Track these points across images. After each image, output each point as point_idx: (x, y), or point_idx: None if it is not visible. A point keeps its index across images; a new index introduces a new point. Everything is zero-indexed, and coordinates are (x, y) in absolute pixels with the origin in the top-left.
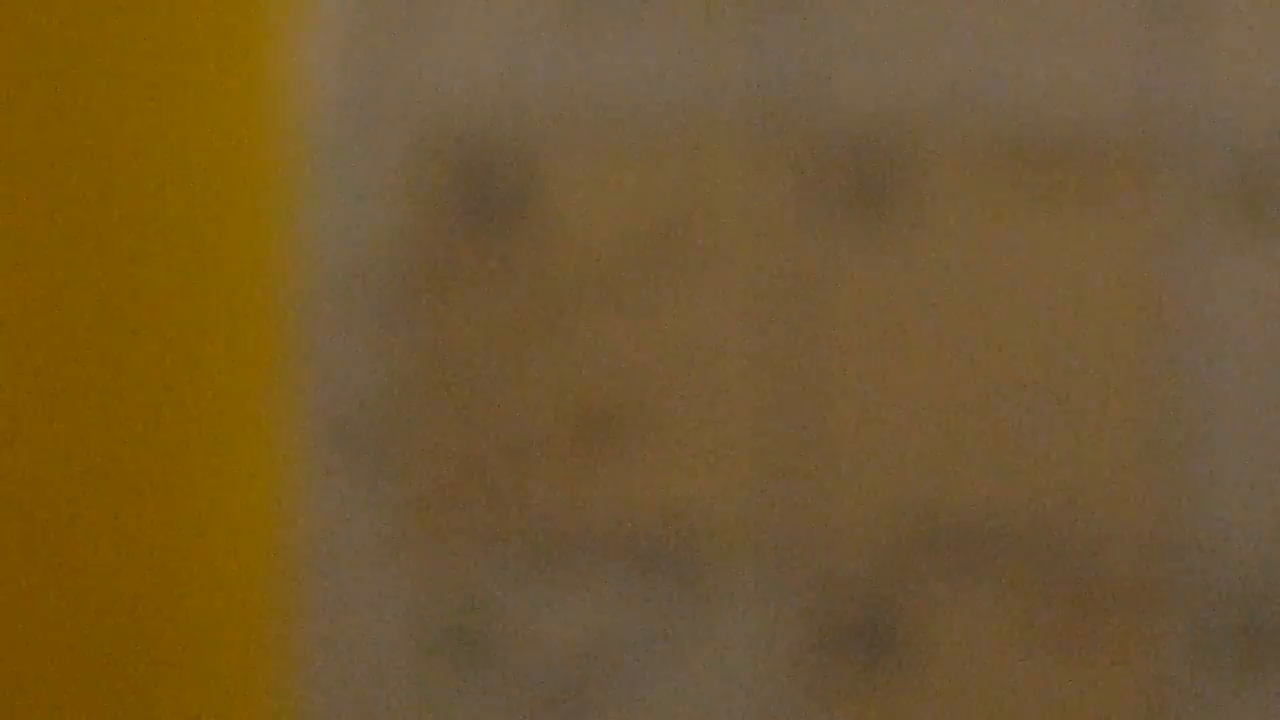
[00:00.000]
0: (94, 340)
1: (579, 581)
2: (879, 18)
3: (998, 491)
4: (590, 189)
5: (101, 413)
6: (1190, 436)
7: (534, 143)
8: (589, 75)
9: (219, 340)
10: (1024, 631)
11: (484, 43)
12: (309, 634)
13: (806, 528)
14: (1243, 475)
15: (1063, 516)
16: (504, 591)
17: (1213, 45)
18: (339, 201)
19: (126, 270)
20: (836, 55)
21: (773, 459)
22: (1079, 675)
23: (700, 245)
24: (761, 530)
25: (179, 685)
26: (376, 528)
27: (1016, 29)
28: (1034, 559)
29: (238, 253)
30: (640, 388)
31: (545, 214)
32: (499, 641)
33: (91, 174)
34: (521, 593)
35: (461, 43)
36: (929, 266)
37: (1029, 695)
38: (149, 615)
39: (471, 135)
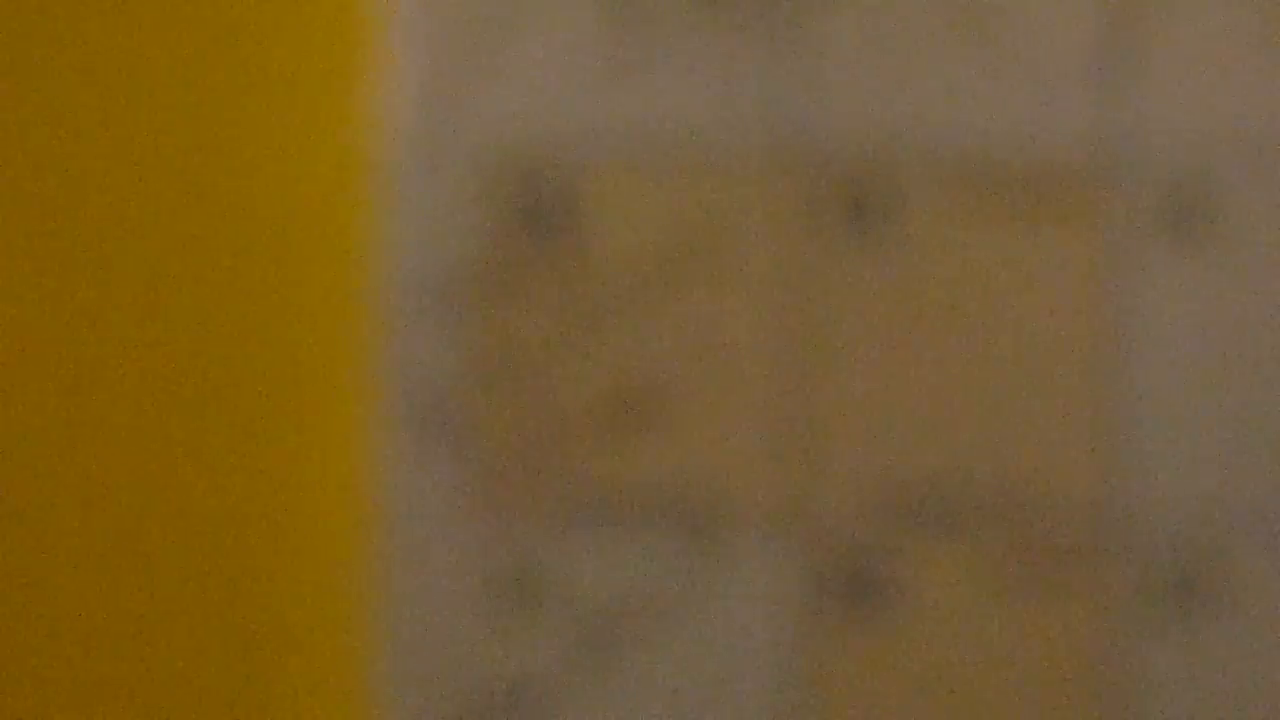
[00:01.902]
0: (201, 331)
1: (615, 540)
2: (870, 64)
3: (968, 464)
4: (627, 207)
5: (207, 393)
6: (1129, 416)
7: (579, 167)
8: (627, 111)
9: (314, 333)
10: (990, 584)
11: (538, 82)
12: (387, 584)
13: (807, 496)
14: (1172, 449)
15: (1022, 485)
16: (553, 548)
17: (1152, 84)
18: (415, 216)
19: (234, 272)
20: (834, 95)
21: (779, 437)
22: (1035, 621)
23: (718, 255)
24: (769, 497)
25: (270, 631)
26: (446, 494)
27: (986, 71)
28: (998, 522)
29: (329, 261)
30: (667, 376)
31: (588, 228)
32: (549, 590)
33: (204, 190)
34: (567, 549)
35: (520, 82)
36: (913, 274)
37: (993, 637)
38: (244, 571)
39: (526, 161)
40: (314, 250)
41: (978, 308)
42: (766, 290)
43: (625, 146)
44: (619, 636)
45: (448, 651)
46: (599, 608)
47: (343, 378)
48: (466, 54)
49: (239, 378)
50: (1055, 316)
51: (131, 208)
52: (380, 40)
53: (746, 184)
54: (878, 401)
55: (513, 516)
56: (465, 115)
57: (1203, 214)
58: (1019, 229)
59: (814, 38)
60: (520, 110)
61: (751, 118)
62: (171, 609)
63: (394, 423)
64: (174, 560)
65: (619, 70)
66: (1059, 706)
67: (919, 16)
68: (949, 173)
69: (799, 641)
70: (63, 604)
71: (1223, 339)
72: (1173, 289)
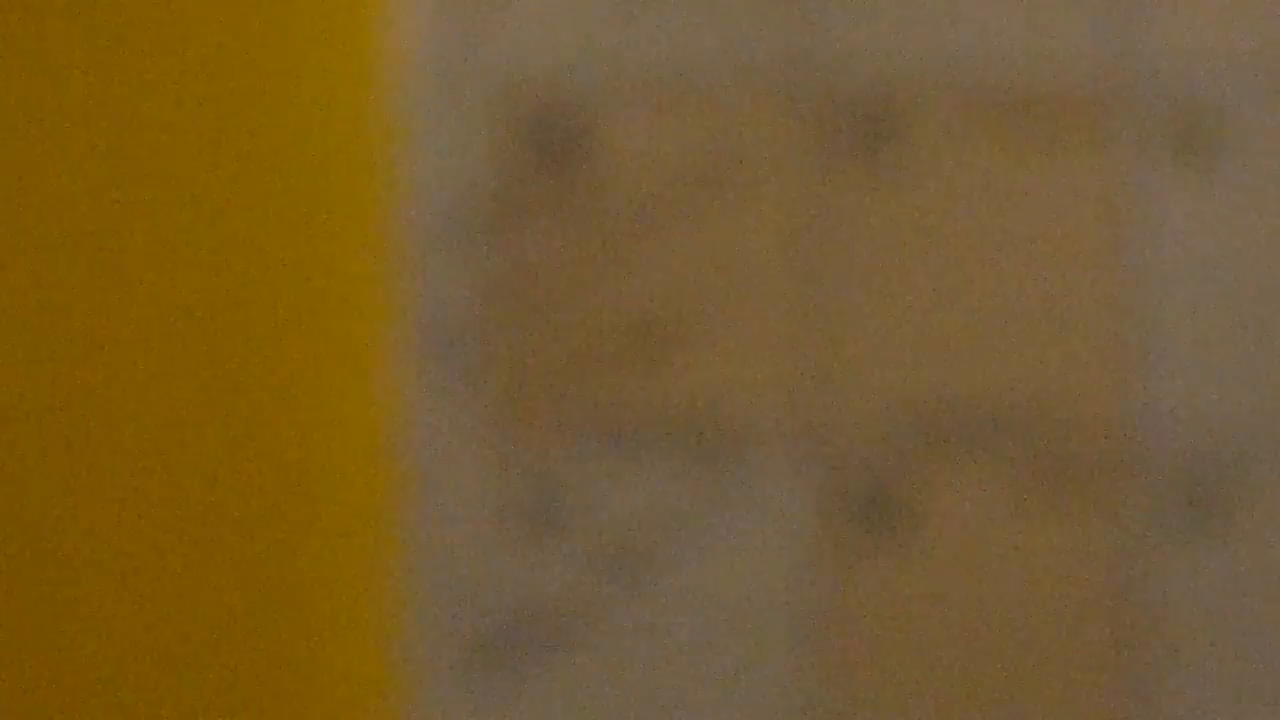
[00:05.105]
0: (218, 266)
1: (636, 465)
2: None
3: (985, 384)
4: (641, 137)
5: (224, 326)
6: (1144, 335)
7: (594, 97)
8: (640, 41)
9: (332, 264)
10: (1007, 504)
11: (553, 14)
12: (409, 512)
13: (825, 418)
14: (1187, 367)
15: (1037, 406)
16: (574, 473)
17: (1162, 8)
18: (431, 147)
19: (251, 203)
20: (845, 25)
21: (796, 361)
22: (1053, 541)
23: (732, 183)
24: (787, 421)
25: (293, 561)
26: (467, 420)
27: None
28: (1015, 443)
29: (347, 192)
30: (684, 302)
31: (604, 157)
32: (570, 515)
33: (220, 125)
34: (588, 474)
35: (535, 14)
36: (926, 197)
37: (1012, 557)
38: (264, 503)
39: (542, 92)
40: (331, 182)
41: (991, 230)
42: (781, 215)
43: (639, 76)
44: (639, 562)
45: (470, 578)
46: (619, 533)
47: (361, 308)
48: None
49: (257, 310)
50: (1068, 237)
51: (150, 146)
52: None
53: (759, 111)
54: (894, 325)
55: (532, 443)
56: (481, 46)
57: (1213, 134)
58: (1029, 152)
59: None
60: (535, 40)
61: (763, 47)
62: (195, 539)
63: (413, 352)
64: (196, 494)
65: (635, 1)
66: (1077, 625)
67: None
68: (959, 98)
69: (819, 563)
70: (91, 555)
71: (1235, 257)
72: (1184, 209)
